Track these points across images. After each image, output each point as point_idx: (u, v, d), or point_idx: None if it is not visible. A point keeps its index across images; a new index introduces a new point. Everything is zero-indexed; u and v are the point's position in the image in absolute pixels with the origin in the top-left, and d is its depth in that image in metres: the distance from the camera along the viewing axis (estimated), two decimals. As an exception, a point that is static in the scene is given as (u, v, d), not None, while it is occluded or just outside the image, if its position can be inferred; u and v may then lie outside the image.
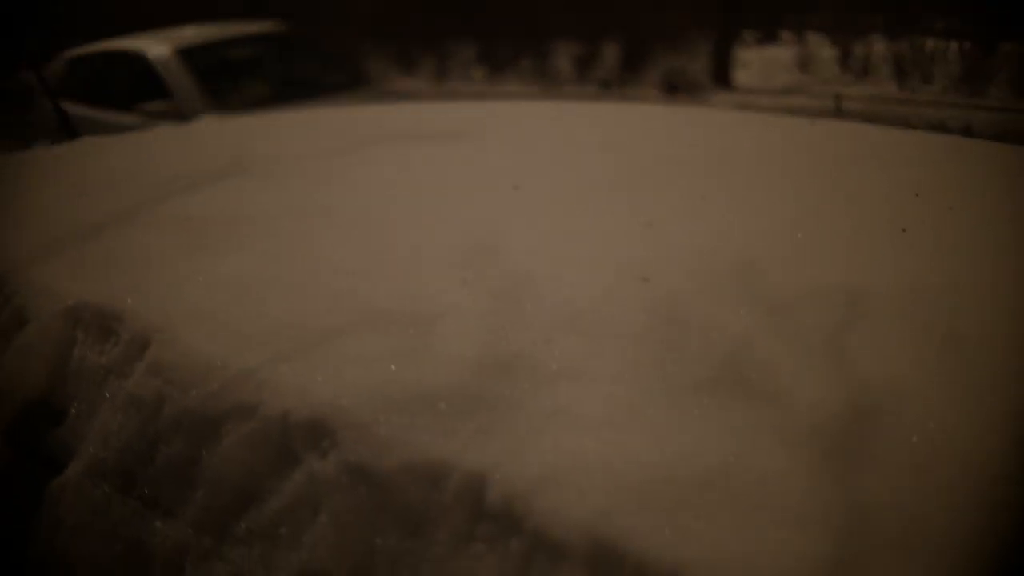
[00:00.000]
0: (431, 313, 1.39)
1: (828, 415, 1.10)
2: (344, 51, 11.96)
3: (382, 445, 1.16)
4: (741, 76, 13.98)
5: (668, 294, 1.39)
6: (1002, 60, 11.40)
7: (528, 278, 1.46)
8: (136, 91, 8.17)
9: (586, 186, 1.92)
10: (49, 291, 1.66)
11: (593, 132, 2.55)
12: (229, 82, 8.32)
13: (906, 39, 12.52)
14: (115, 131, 3.24)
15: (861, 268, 1.44)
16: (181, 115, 7.16)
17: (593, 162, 2.13)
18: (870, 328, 1.27)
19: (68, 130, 3.51)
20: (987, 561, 0.93)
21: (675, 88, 13.25)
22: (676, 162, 2.09)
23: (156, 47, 8.44)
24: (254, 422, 1.27)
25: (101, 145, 2.82)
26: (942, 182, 1.88)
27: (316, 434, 1.21)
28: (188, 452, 1.32)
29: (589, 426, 1.12)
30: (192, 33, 8.91)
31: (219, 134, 2.89)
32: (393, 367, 1.27)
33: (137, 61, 8.47)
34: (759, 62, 14.30)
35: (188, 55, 8.31)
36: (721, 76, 13.84)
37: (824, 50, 13.69)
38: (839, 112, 9.57)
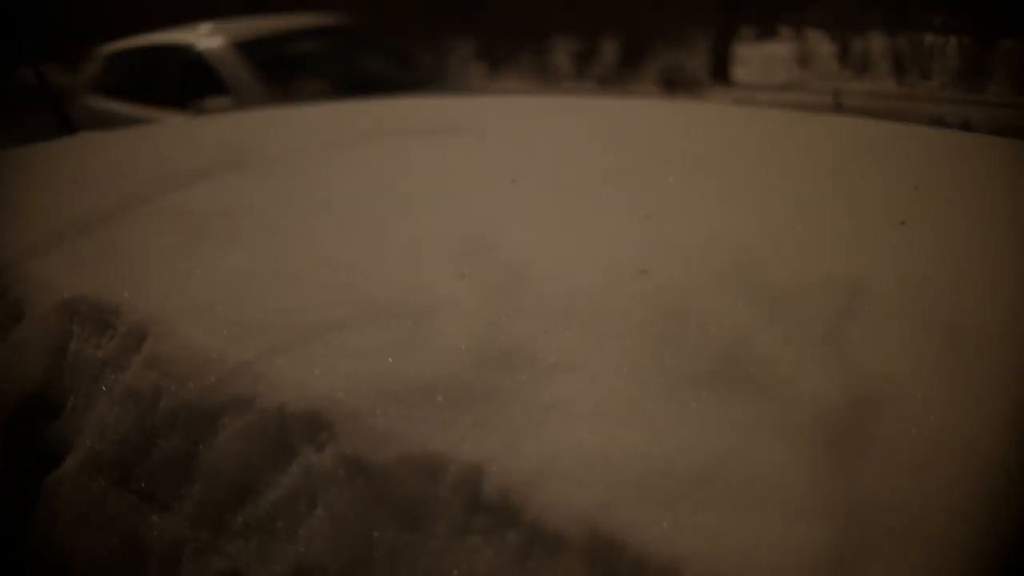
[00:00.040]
0: (428, 306, 1.38)
1: (828, 408, 1.10)
2: (412, 47, 11.66)
3: (379, 437, 1.15)
4: (740, 72, 13.99)
5: (667, 287, 1.38)
6: (1001, 56, 11.39)
7: (526, 271, 1.46)
8: (187, 87, 7.75)
9: (584, 180, 1.92)
10: (46, 285, 1.66)
11: (591, 126, 2.54)
12: (291, 78, 7.79)
13: (905, 35, 12.51)
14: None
15: (860, 261, 1.43)
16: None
17: (591, 156, 2.13)
18: (870, 321, 1.27)
19: (67, 126, 3.50)
20: (987, 555, 0.92)
21: (674, 84, 13.25)
22: (675, 156, 2.09)
23: (208, 40, 8.02)
24: (251, 415, 1.26)
25: (99, 140, 2.82)
26: (941, 176, 1.87)
27: (313, 427, 1.21)
28: (185, 445, 1.32)
29: (587, 419, 1.11)
30: (247, 26, 8.47)
31: (218, 129, 2.88)
32: (390, 360, 1.26)
33: (187, 55, 8.06)
34: (758, 58, 14.30)
35: (246, 49, 7.87)
36: (720, 72, 13.85)
37: (823, 46, 13.70)
38: (838, 108, 9.56)
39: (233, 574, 1.22)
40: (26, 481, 1.48)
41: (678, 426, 1.09)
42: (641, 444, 1.06)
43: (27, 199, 2.15)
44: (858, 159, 2.02)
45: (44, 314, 1.59)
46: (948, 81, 11.75)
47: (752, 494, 0.99)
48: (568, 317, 1.32)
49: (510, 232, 1.61)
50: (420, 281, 1.46)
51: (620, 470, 1.03)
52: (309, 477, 1.19)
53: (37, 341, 1.57)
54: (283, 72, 7.80)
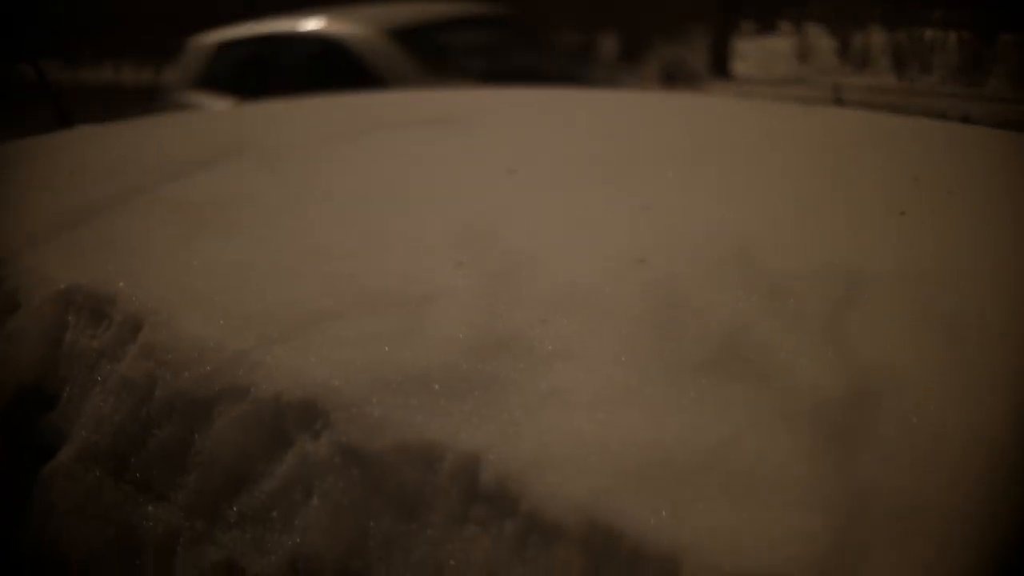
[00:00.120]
0: (425, 294, 1.38)
1: (828, 398, 1.09)
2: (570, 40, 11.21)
3: (375, 426, 1.15)
4: (739, 67, 13.99)
5: (665, 276, 1.38)
6: (1001, 50, 11.39)
7: (524, 260, 1.45)
8: (327, 80, 6.56)
9: (583, 170, 1.91)
10: (42, 275, 1.65)
11: (590, 118, 2.54)
12: (447, 68, 7.13)
13: (904, 30, 12.51)
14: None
15: (860, 251, 1.42)
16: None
17: (590, 147, 2.12)
18: (870, 312, 1.26)
19: (67, 123, 3.49)
20: (988, 547, 0.91)
21: (673, 79, 13.24)
22: (674, 147, 2.08)
23: (355, 28, 7.34)
24: (247, 404, 1.26)
25: (98, 133, 2.81)
26: (941, 167, 1.87)
27: (309, 415, 1.20)
28: (180, 435, 1.31)
29: (585, 407, 1.11)
30: (396, 13, 7.69)
31: (217, 121, 2.88)
32: (387, 348, 1.26)
33: (328, 45, 7.41)
34: (758, 53, 14.30)
35: (400, 37, 7.21)
36: (719, 67, 13.84)
37: (823, 41, 13.71)
38: (838, 103, 9.56)
39: (229, 564, 1.22)
40: (21, 472, 1.47)
41: (677, 415, 1.08)
42: (639, 433, 1.06)
43: (25, 191, 2.14)
44: (858, 151, 2.01)
45: (40, 304, 1.59)
46: (948, 76, 11.75)
47: (752, 484, 0.98)
48: (566, 306, 1.32)
49: (508, 222, 1.61)
50: (418, 270, 1.45)
51: (618, 459, 1.02)
52: (305, 466, 1.18)
53: (33, 332, 1.56)
54: (439, 62, 7.22)
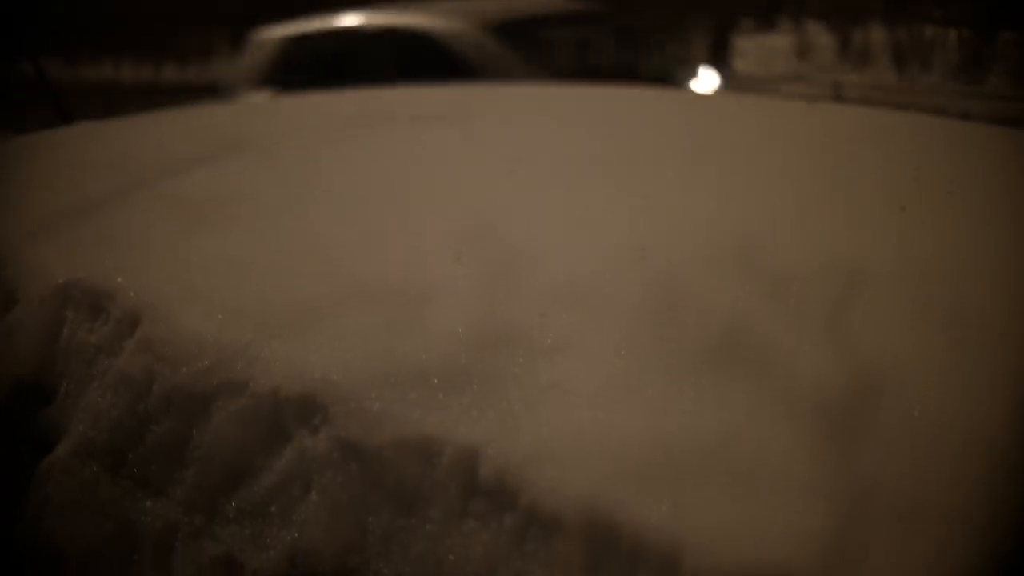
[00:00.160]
0: (424, 288, 1.37)
1: (829, 393, 1.09)
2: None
3: (374, 420, 1.14)
4: (739, 64, 13.97)
5: (666, 271, 1.37)
6: (1000, 48, 11.39)
7: (523, 254, 1.44)
8: (417, 76, 6.13)
9: (583, 165, 1.91)
10: (40, 270, 1.64)
11: (590, 114, 2.53)
12: (548, 64, 6.71)
13: (905, 27, 12.51)
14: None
15: (861, 246, 1.42)
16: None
17: (590, 142, 2.11)
18: (871, 306, 1.26)
19: (65, 119, 3.48)
20: (989, 539, 0.91)
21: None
22: (674, 142, 2.08)
23: (450, 22, 6.87)
24: (245, 399, 1.25)
25: (98, 129, 2.80)
26: (942, 163, 1.87)
27: (307, 410, 1.20)
28: (178, 430, 1.31)
29: (585, 400, 1.10)
30: (488, 6, 7.22)
31: (216, 117, 2.87)
32: (385, 342, 1.25)
33: (418, 40, 6.92)
34: (757, 50, 14.29)
35: (499, 32, 6.79)
36: (720, 64, 13.83)
37: (822, 38, 13.70)
38: (838, 100, 9.55)
39: (227, 560, 1.22)
40: (19, 467, 1.47)
41: (677, 409, 1.08)
42: (640, 427, 1.05)
43: (23, 187, 2.14)
44: (858, 147, 2.01)
45: (38, 299, 1.58)
46: (948, 73, 11.75)
47: (753, 479, 0.98)
48: (566, 300, 1.31)
49: (508, 217, 1.60)
50: (417, 264, 1.45)
51: (618, 453, 1.02)
52: (303, 461, 1.18)
53: (31, 326, 1.56)
54: (537, 59, 6.81)
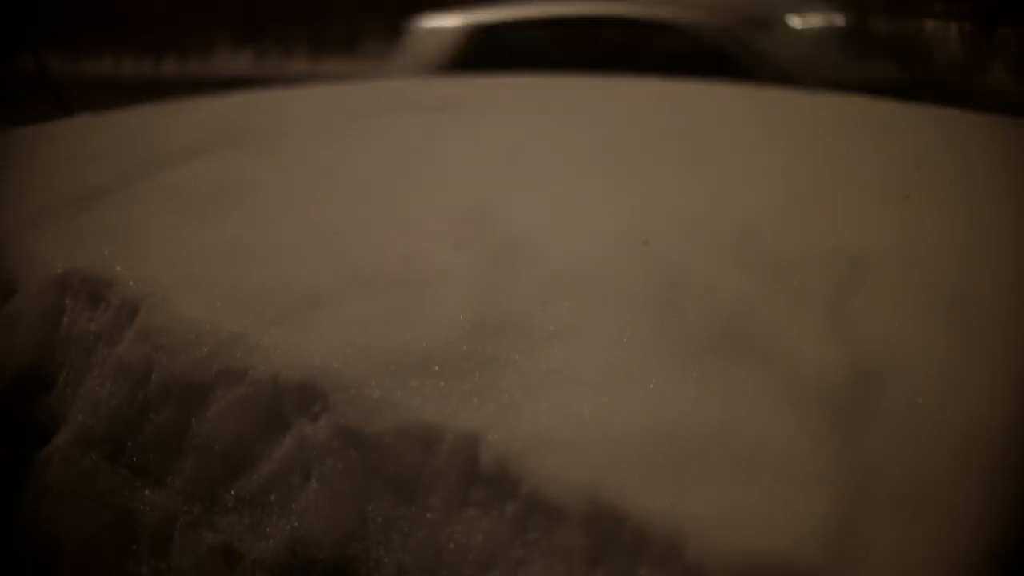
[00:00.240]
0: (424, 276, 1.36)
1: (832, 379, 1.08)
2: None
3: (374, 408, 1.14)
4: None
5: (668, 257, 1.36)
6: (1001, 44, 11.38)
7: (524, 242, 1.43)
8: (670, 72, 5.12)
9: (584, 154, 1.90)
10: (39, 259, 1.64)
11: (591, 104, 2.53)
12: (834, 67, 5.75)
13: (905, 21, 12.49)
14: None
15: (864, 234, 1.41)
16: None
17: (592, 131, 2.11)
18: (874, 292, 1.25)
19: (66, 112, 3.47)
20: (993, 523, 0.91)
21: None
22: (677, 131, 2.07)
23: (707, 14, 5.87)
24: (244, 386, 1.25)
25: (98, 121, 2.80)
26: (945, 152, 1.86)
27: (307, 397, 1.19)
28: (177, 418, 1.30)
29: (586, 387, 1.10)
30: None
31: (217, 108, 2.86)
32: (385, 330, 1.24)
33: (657, 31, 5.93)
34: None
35: (794, 29, 6.00)
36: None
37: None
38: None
39: (226, 549, 1.21)
40: (18, 456, 1.46)
41: (680, 395, 1.07)
42: (642, 413, 1.05)
43: (23, 178, 2.13)
44: (861, 136, 2.00)
45: (37, 289, 1.58)
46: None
47: (756, 464, 0.97)
48: (568, 287, 1.30)
49: (509, 204, 1.59)
50: (417, 252, 1.44)
51: (621, 439, 1.01)
52: (303, 449, 1.17)
53: (30, 315, 1.55)
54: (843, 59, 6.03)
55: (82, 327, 1.50)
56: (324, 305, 1.32)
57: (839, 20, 7.11)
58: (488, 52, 6.83)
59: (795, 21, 6.38)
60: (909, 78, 6.41)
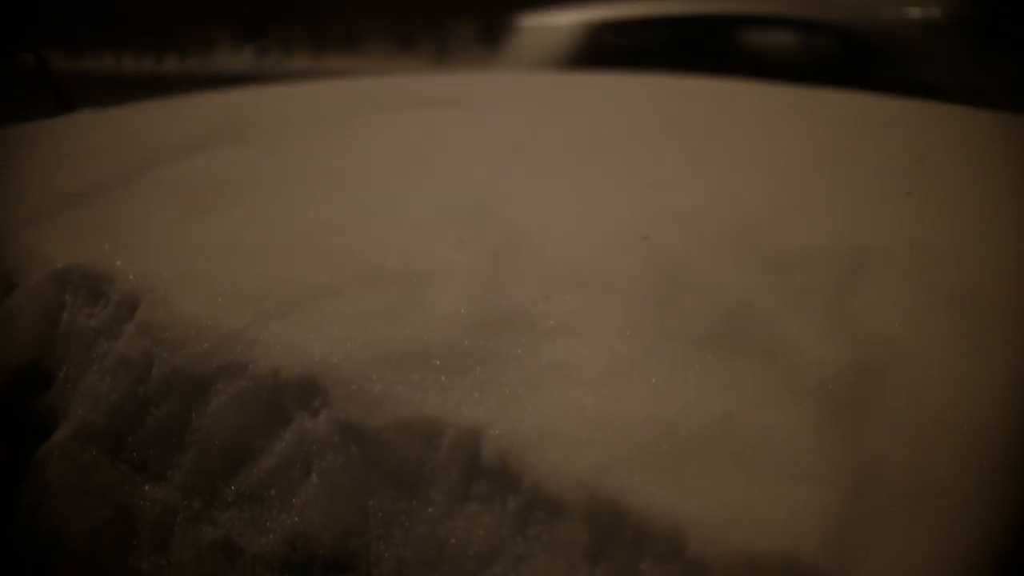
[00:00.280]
0: (426, 270, 1.36)
1: (833, 373, 1.08)
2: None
3: (375, 402, 1.13)
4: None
5: (669, 252, 1.36)
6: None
7: (525, 237, 1.43)
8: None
9: (585, 150, 1.90)
10: (39, 255, 1.63)
11: (592, 100, 2.53)
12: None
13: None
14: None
15: (866, 229, 1.41)
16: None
17: (592, 128, 2.11)
18: (876, 287, 1.25)
19: (67, 109, 3.47)
20: (994, 518, 0.90)
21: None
22: (677, 127, 2.08)
23: (876, 14, 5.28)
24: (244, 381, 1.24)
25: (99, 117, 2.80)
26: (946, 149, 1.86)
27: (307, 392, 1.19)
28: (177, 413, 1.29)
29: (588, 382, 1.09)
30: None
31: (218, 104, 2.86)
32: (386, 324, 1.24)
33: (811, 31, 5.48)
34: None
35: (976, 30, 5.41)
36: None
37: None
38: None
39: (226, 544, 1.21)
40: (17, 452, 1.46)
41: (681, 389, 1.07)
42: (644, 408, 1.04)
43: (24, 174, 2.13)
44: (863, 132, 2.01)
45: (37, 284, 1.57)
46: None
47: (757, 460, 0.97)
48: (569, 282, 1.30)
49: (510, 200, 1.59)
50: (418, 247, 1.44)
51: (622, 435, 1.01)
52: (303, 444, 1.17)
53: (30, 311, 1.55)
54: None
55: (82, 322, 1.49)
56: (325, 300, 1.32)
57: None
58: (607, 52, 6.28)
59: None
60: None
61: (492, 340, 1.19)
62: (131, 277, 1.47)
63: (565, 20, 6.64)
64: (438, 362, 1.16)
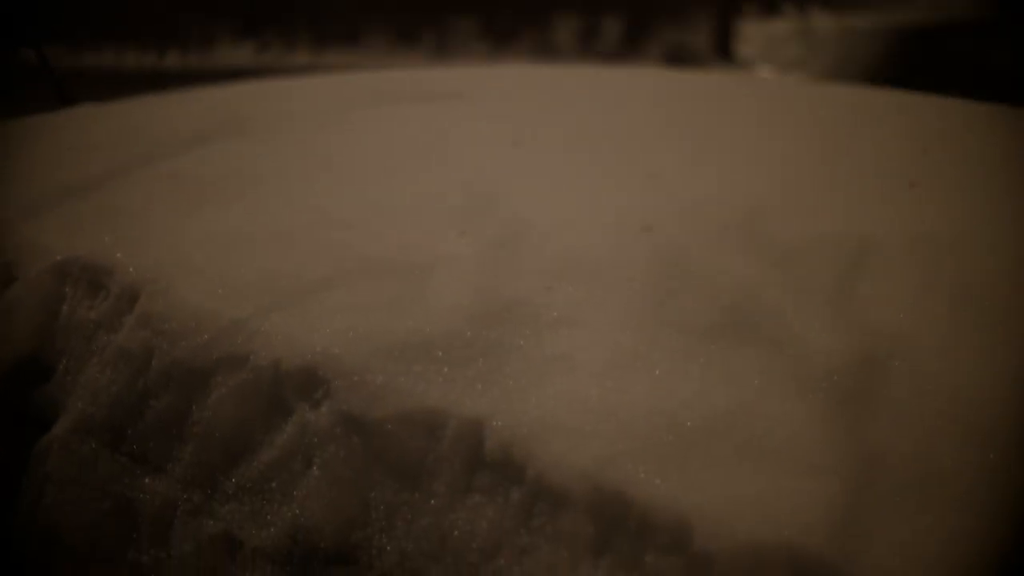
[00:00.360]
0: (428, 262, 1.36)
1: (838, 364, 1.08)
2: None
3: (377, 394, 1.13)
4: (742, 49, 13.94)
5: (672, 243, 1.35)
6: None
7: (528, 228, 1.43)
8: None
9: (588, 142, 1.90)
10: (39, 247, 1.63)
11: (595, 93, 2.52)
12: None
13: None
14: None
15: (870, 220, 1.41)
16: None
17: (595, 120, 2.10)
18: (880, 278, 1.25)
19: (66, 103, 3.46)
20: (997, 509, 0.90)
21: (675, 62, 13.23)
22: (680, 120, 2.07)
23: None
24: (245, 373, 1.23)
25: (99, 111, 2.79)
26: (950, 142, 1.86)
27: (309, 384, 1.18)
28: (178, 405, 1.29)
29: (591, 373, 1.09)
30: None
31: (216, 99, 2.85)
32: (388, 315, 1.24)
33: None
34: (760, 35, 14.25)
35: None
36: (722, 49, 13.81)
37: (826, 23, 13.65)
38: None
39: (227, 537, 1.20)
40: (17, 444, 1.45)
41: (685, 380, 1.06)
42: (648, 399, 1.04)
43: (24, 167, 2.12)
44: (867, 124, 2.00)
45: (37, 276, 1.57)
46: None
47: (762, 451, 0.96)
48: (571, 273, 1.30)
49: (511, 192, 1.59)
50: (420, 238, 1.43)
51: (626, 425, 1.00)
52: (305, 436, 1.16)
53: (29, 303, 1.54)
54: None
55: (82, 314, 1.49)
56: (326, 291, 1.31)
57: None
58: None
59: None
60: None
61: (495, 331, 1.18)
62: (131, 269, 1.46)
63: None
64: (440, 353, 1.15)
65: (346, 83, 2.92)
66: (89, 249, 1.56)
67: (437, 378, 1.12)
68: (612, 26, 14.90)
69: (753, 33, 14.06)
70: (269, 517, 1.16)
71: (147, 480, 1.29)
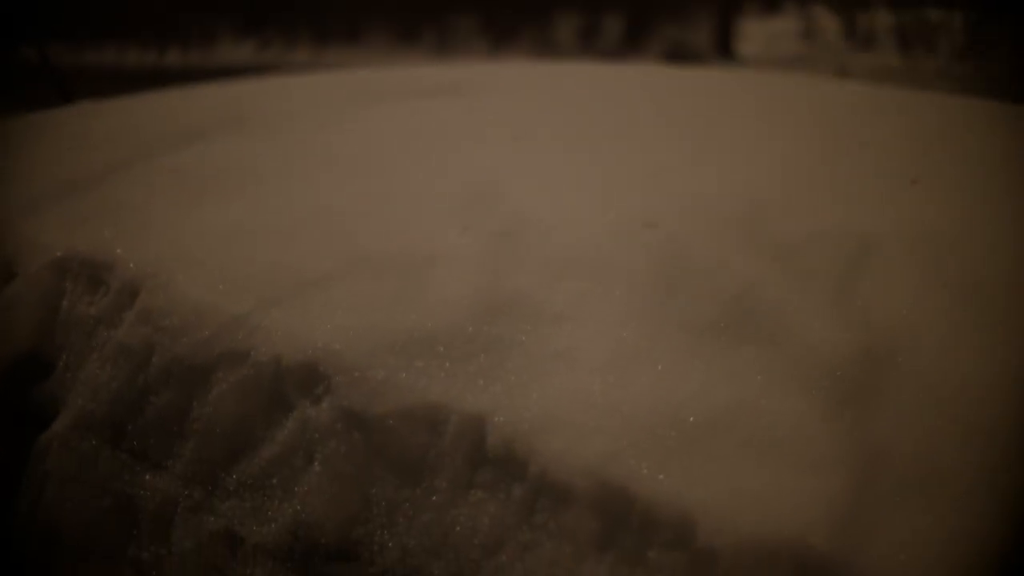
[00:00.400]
0: (429, 257, 1.35)
1: (841, 359, 1.08)
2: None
3: (378, 389, 1.12)
4: (744, 47, 13.95)
5: (674, 239, 1.35)
6: (1004, 31, 11.36)
7: (530, 224, 1.42)
8: None
9: (590, 137, 1.89)
10: (39, 243, 1.62)
11: (596, 90, 2.52)
12: None
13: (910, 10, 12.49)
14: None
15: (872, 216, 1.40)
16: None
17: (597, 115, 2.10)
18: (883, 274, 1.24)
19: (67, 101, 3.46)
20: (998, 508, 0.90)
21: (676, 59, 13.24)
22: (683, 116, 2.07)
23: None
24: (246, 369, 1.23)
25: (99, 108, 2.79)
26: (951, 139, 1.85)
27: (310, 379, 1.18)
28: (178, 401, 1.29)
29: (594, 368, 1.08)
30: None
31: (216, 95, 2.85)
32: (390, 310, 1.23)
33: None
34: (762, 33, 14.26)
35: None
36: (723, 47, 13.82)
37: (827, 21, 13.66)
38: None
39: (227, 533, 1.20)
40: (16, 441, 1.45)
41: (688, 377, 1.06)
42: (650, 394, 1.04)
43: (24, 163, 2.12)
44: (869, 121, 2.00)
45: (36, 272, 1.56)
46: (953, 56, 11.73)
47: (765, 446, 0.96)
48: (574, 269, 1.29)
49: (513, 187, 1.58)
50: (421, 234, 1.43)
51: (628, 421, 1.00)
52: (306, 432, 1.16)
53: (29, 299, 1.54)
54: None
55: (82, 310, 1.48)
56: (327, 286, 1.31)
57: None
58: None
59: None
60: None
61: (497, 326, 1.18)
62: (131, 265, 1.46)
63: None
64: (442, 348, 1.15)
65: (346, 80, 2.92)
66: (89, 244, 1.56)
67: (439, 373, 1.12)
68: (613, 24, 14.91)
69: (754, 31, 14.07)
70: (270, 513, 1.16)
71: (148, 477, 1.29)
